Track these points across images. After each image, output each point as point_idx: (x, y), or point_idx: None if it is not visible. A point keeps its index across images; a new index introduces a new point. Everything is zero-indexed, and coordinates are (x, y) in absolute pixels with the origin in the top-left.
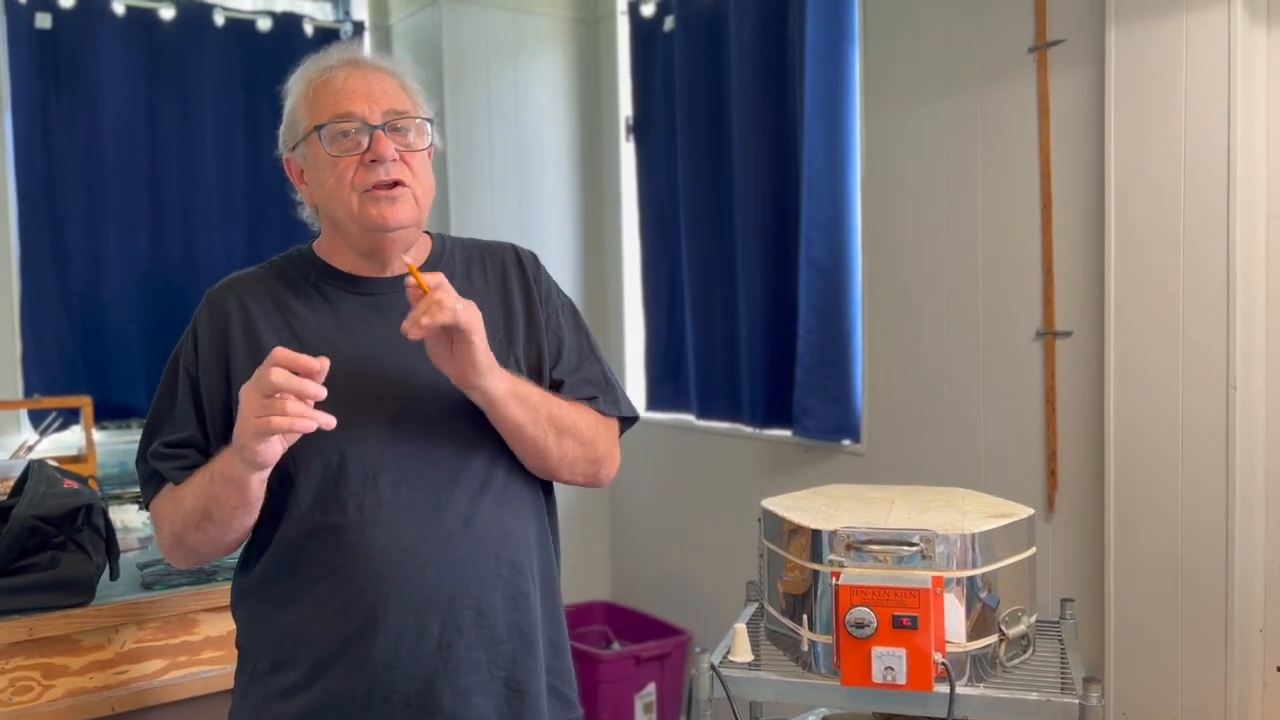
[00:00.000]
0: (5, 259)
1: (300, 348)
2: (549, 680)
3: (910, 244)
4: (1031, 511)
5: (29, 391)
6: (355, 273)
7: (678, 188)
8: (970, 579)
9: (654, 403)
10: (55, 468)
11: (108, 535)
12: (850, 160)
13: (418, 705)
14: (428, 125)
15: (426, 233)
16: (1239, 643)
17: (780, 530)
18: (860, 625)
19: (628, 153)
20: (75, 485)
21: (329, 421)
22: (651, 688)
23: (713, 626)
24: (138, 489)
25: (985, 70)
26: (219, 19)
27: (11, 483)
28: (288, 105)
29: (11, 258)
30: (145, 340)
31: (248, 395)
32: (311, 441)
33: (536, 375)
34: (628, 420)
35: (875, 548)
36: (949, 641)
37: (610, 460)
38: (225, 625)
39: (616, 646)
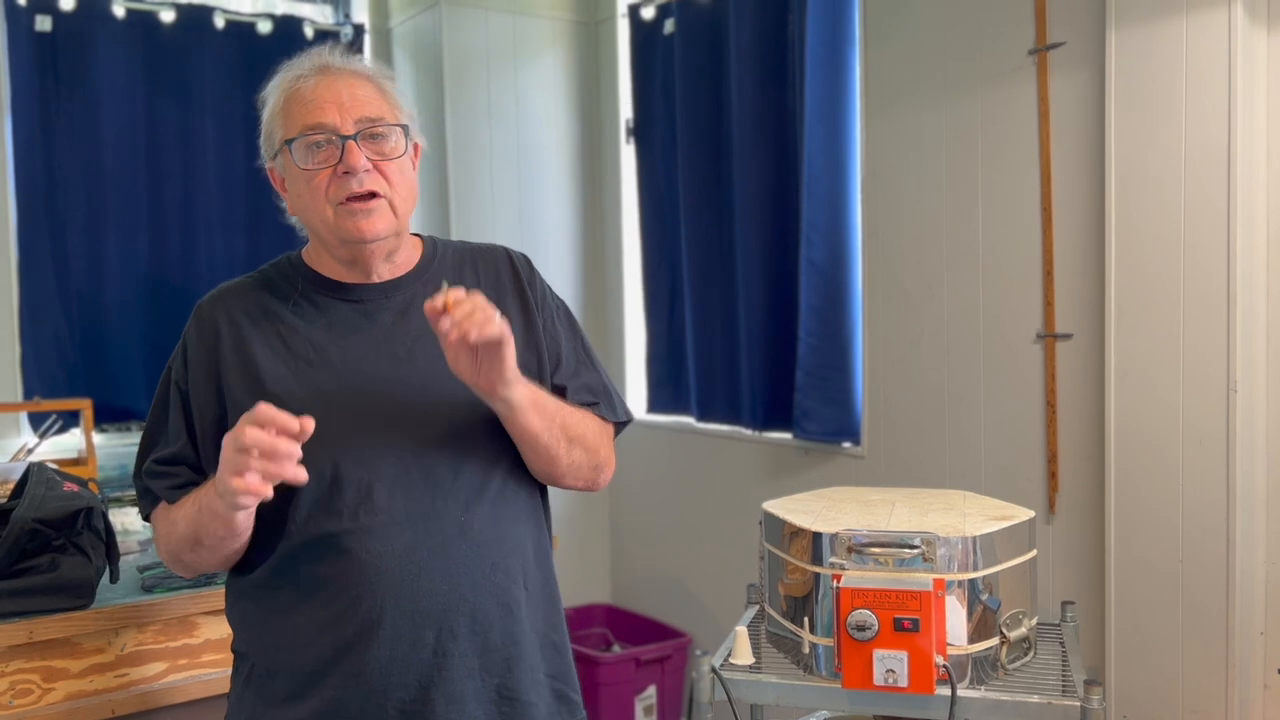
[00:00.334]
0: (5, 261)
1: (291, 358)
2: (552, 684)
3: (910, 246)
4: (1032, 514)
5: (29, 394)
6: (342, 280)
7: (678, 190)
8: (971, 581)
9: (654, 405)
10: (55, 470)
11: (108, 538)
12: (850, 163)
13: (412, 713)
14: (404, 130)
15: (418, 236)
16: (1240, 645)
17: (781, 533)
18: (861, 628)
19: (628, 155)
20: (75, 488)
21: (299, 477)
22: (652, 690)
23: (713, 629)
24: None
25: (985, 73)
26: (219, 21)
27: (11, 485)
28: (264, 115)
29: (11, 260)
30: (145, 343)
31: (226, 444)
32: (306, 451)
33: (536, 380)
34: (622, 424)
35: (876, 550)
36: (950, 644)
37: (609, 465)
38: (225, 628)
39: (617, 649)
